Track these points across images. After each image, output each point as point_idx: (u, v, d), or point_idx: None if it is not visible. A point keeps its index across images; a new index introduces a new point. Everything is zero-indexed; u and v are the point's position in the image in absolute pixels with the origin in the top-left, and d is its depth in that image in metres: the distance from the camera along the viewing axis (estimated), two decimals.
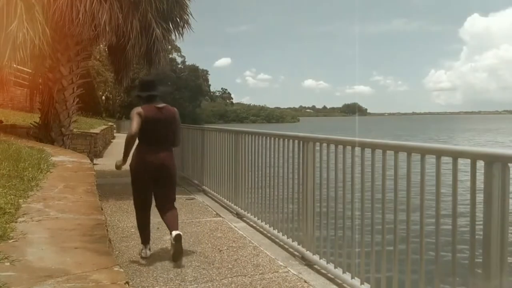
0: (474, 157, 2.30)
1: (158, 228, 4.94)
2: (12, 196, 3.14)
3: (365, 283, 3.09)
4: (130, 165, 4.08)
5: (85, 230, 2.56)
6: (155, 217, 4.21)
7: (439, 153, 2.55)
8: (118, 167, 4.10)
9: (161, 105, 4.09)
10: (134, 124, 3.91)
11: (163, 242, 4.43)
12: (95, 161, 10.16)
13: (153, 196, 4.15)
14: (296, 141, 4.15)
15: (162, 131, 4.04)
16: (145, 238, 4.11)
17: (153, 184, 4.06)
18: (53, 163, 5.04)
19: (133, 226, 4.88)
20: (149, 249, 4.07)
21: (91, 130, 13.53)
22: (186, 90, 71.69)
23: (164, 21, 8.33)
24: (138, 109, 4.00)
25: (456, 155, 2.42)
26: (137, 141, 4.03)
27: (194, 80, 74.41)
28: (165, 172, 4.06)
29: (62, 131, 8.25)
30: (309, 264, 3.78)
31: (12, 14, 6.09)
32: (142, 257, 3.98)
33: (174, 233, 3.87)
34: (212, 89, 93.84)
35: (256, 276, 3.55)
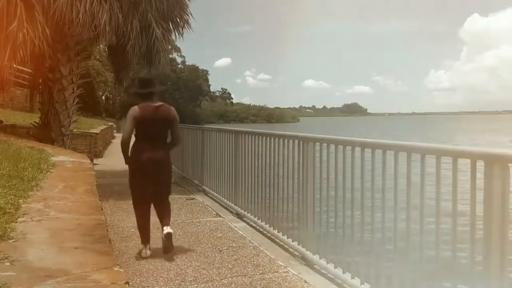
0: (474, 157, 2.30)
1: (158, 228, 4.96)
2: (12, 196, 3.14)
3: (365, 283, 3.09)
4: (128, 163, 4.14)
5: (85, 230, 2.56)
6: (155, 216, 4.22)
7: (439, 153, 2.55)
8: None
9: (158, 104, 4.09)
10: (127, 128, 4.02)
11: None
12: (95, 161, 10.13)
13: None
14: (296, 141, 4.15)
15: (157, 130, 4.07)
16: (144, 237, 4.08)
17: (150, 181, 4.07)
18: (53, 163, 5.04)
19: (133, 226, 4.88)
20: (149, 249, 4.02)
21: (91, 130, 13.49)
22: (186, 90, 71.55)
23: (164, 21, 8.34)
24: (135, 109, 4.03)
25: (456, 155, 2.42)
26: (134, 138, 4.10)
27: (194, 80, 74.23)
28: (161, 169, 4.10)
29: (62, 131, 8.25)
30: (309, 264, 3.78)
31: (12, 14, 6.09)
32: (142, 257, 3.96)
33: (166, 231, 4.00)
34: (212, 89, 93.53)
35: (256, 276, 3.55)
